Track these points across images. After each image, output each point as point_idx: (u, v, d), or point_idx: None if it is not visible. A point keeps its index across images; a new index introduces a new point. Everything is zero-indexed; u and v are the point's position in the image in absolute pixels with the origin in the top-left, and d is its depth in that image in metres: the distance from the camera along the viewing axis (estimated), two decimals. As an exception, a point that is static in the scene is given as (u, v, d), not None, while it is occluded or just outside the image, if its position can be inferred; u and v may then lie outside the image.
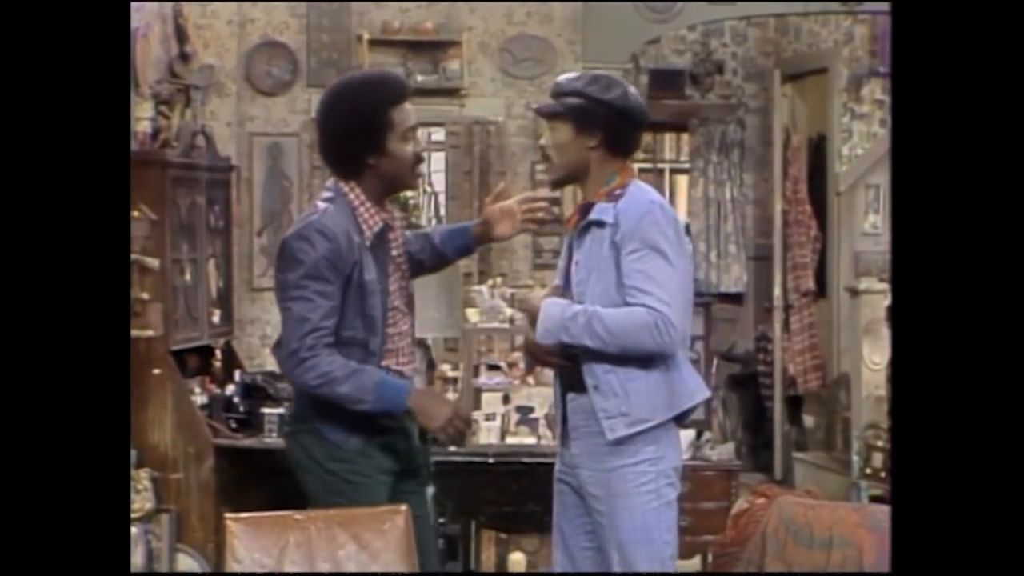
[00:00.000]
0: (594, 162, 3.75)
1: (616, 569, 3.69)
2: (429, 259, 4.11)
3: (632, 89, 3.82)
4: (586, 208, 3.77)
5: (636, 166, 4.21)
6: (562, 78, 3.83)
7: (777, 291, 8.97)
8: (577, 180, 3.82)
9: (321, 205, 3.80)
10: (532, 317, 3.76)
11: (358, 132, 3.77)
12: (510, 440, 5.80)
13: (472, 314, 6.07)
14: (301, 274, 3.71)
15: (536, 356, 3.83)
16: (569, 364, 3.71)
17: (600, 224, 3.70)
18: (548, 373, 5.93)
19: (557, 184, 3.92)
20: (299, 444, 3.86)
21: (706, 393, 3.83)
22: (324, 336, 3.71)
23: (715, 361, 9.04)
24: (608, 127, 3.73)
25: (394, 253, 3.87)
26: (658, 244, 3.62)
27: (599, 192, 3.75)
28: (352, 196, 3.79)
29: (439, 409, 3.77)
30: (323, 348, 3.70)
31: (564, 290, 3.80)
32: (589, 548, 3.80)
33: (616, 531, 3.68)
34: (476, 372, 6.00)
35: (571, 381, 3.76)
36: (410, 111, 3.83)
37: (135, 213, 5.56)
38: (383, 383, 3.73)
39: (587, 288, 3.70)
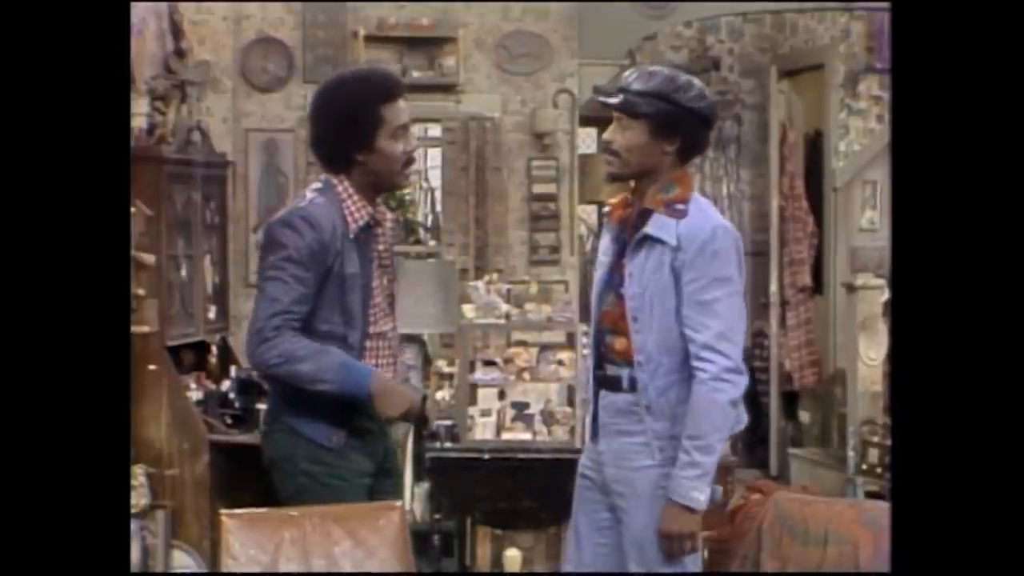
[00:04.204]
0: (664, 167, 3.65)
1: (633, 566, 3.68)
2: None
3: (706, 89, 3.72)
4: (642, 214, 3.66)
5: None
6: (632, 75, 3.69)
7: (774, 287, 8.97)
8: (639, 180, 3.70)
9: (309, 195, 3.81)
10: (685, 524, 3.59)
11: (348, 127, 3.76)
12: (505, 436, 5.79)
13: (468, 310, 6.07)
14: (281, 256, 3.70)
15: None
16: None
17: (659, 241, 3.61)
18: (544, 369, 5.95)
19: (617, 180, 3.82)
20: (274, 443, 3.84)
21: (745, 420, 3.76)
22: (292, 320, 3.69)
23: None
24: (689, 134, 3.64)
25: (380, 248, 3.86)
26: (719, 273, 3.57)
27: (657, 199, 3.64)
28: (340, 188, 3.79)
29: (400, 400, 3.74)
30: (289, 331, 3.68)
31: (606, 292, 3.74)
32: (602, 544, 3.76)
33: (637, 530, 3.67)
34: (472, 368, 5.99)
35: (606, 379, 3.74)
36: (402, 109, 3.82)
37: (131, 209, 5.55)
38: (347, 364, 3.70)
39: (643, 305, 3.61)
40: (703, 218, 3.63)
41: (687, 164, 3.73)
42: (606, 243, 3.82)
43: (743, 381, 3.60)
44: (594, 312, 3.80)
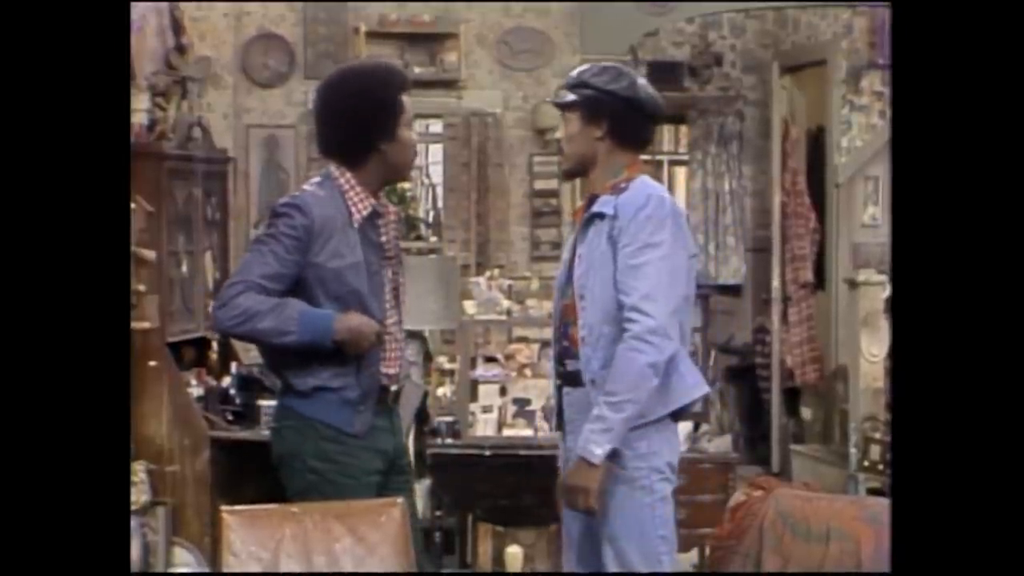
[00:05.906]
0: (601, 153, 3.76)
1: (610, 563, 3.68)
2: None
3: (642, 81, 3.83)
4: (591, 200, 3.79)
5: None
6: (575, 71, 3.85)
7: (776, 283, 8.96)
8: (586, 172, 3.82)
9: (308, 188, 3.83)
10: (581, 477, 3.61)
11: (371, 117, 3.79)
12: (507, 432, 5.80)
13: (469, 306, 6.07)
14: (267, 233, 3.75)
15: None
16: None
17: (601, 216, 3.70)
18: (546, 366, 5.94)
19: (568, 176, 3.97)
20: (283, 440, 3.83)
21: (704, 389, 3.81)
22: (256, 290, 3.68)
23: (713, 353, 9.03)
24: (614, 117, 3.74)
25: (383, 240, 3.86)
26: (651, 238, 3.62)
27: (606, 185, 3.76)
28: (342, 180, 3.80)
29: (365, 335, 3.72)
30: (250, 292, 3.68)
31: (566, 285, 3.79)
32: (593, 542, 3.78)
33: (608, 526, 3.67)
34: (473, 364, 6.00)
35: (567, 375, 3.76)
36: (408, 100, 3.88)
37: (131, 205, 5.55)
38: (306, 312, 3.68)
39: (587, 282, 3.70)
40: (641, 189, 3.74)
41: (634, 152, 3.82)
42: (569, 242, 3.91)
43: (668, 346, 3.60)
44: (555, 309, 3.87)
